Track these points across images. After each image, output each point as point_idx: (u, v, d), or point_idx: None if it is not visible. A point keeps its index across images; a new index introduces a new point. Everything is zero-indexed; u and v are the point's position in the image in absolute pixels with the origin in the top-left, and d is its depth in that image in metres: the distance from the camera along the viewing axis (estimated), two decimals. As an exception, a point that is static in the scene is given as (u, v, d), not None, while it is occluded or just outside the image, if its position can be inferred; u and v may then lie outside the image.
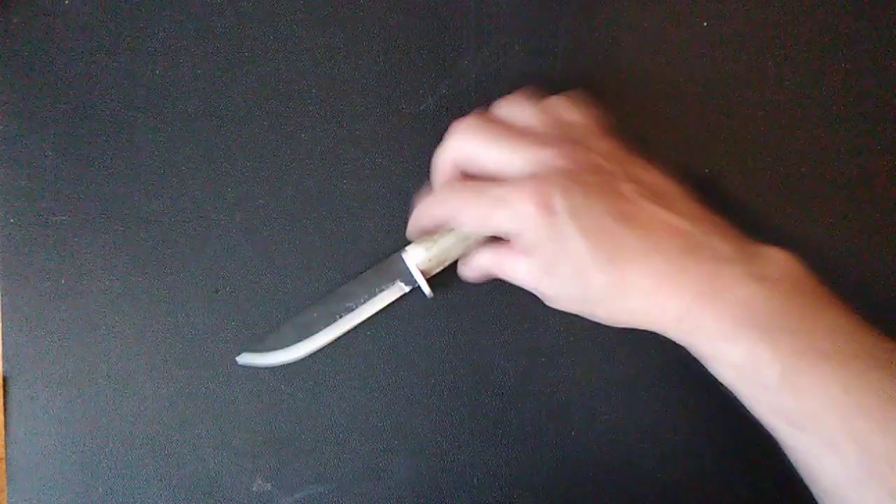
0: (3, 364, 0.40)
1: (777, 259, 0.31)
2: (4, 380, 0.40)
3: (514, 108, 0.35)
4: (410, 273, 0.38)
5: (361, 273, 0.40)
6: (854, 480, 0.28)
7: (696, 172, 0.41)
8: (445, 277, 0.40)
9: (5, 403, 0.40)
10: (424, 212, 0.36)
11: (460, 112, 0.40)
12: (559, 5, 0.41)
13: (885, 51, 0.41)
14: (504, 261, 0.35)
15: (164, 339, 0.40)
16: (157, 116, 0.41)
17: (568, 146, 0.32)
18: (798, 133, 0.41)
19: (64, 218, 0.41)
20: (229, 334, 0.40)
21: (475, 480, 0.41)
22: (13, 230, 0.40)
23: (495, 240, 0.36)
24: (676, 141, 0.41)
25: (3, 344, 0.40)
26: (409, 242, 0.39)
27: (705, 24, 0.41)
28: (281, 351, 0.39)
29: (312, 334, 0.39)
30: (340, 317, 0.39)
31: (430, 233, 0.37)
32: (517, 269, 0.34)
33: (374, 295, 0.39)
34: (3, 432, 0.40)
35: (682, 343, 0.32)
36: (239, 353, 0.40)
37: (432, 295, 0.38)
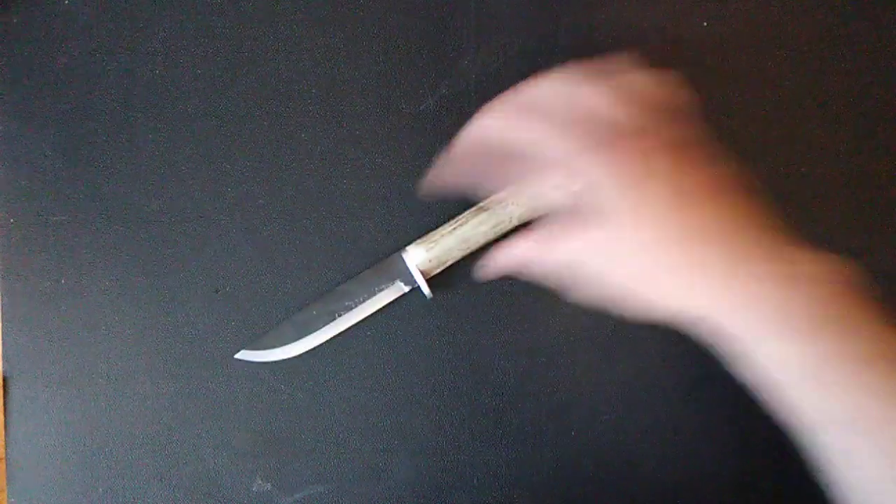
0: (3, 364, 0.40)
1: (819, 262, 0.32)
2: (4, 380, 0.40)
3: (631, 69, 0.35)
4: (410, 273, 0.38)
5: (361, 273, 0.40)
6: (880, 481, 0.28)
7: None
8: (445, 277, 0.40)
9: (5, 403, 0.40)
10: (503, 124, 0.34)
11: (460, 112, 0.40)
12: (559, 5, 0.41)
13: (885, 51, 0.41)
14: (553, 239, 0.34)
15: (164, 339, 0.40)
16: (157, 116, 0.41)
17: (675, 116, 0.33)
18: (798, 133, 0.41)
19: (64, 218, 0.41)
20: (229, 334, 0.40)
21: (475, 480, 0.40)
22: (13, 230, 0.40)
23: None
24: (676, 141, 0.41)
25: (3, 344, 0.40)
26: (409, 242, 0.39)
27: (705, 24, 0.41)
28: (279, 348, 0.39)
29: (311, 332, 0.39)
30: (339, 315, 0.39)
31: (480, 153, 0.36)
32: (571, 244, 0.34)
33: (374, 294, 0.39)
34: (3, 432, 0.40)
35: (712, 337, 0.33)
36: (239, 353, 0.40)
37: (432, 295, 0.38)
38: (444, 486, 0.40)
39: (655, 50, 0.36)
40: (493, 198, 0.38)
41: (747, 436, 0.41)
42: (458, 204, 0.39)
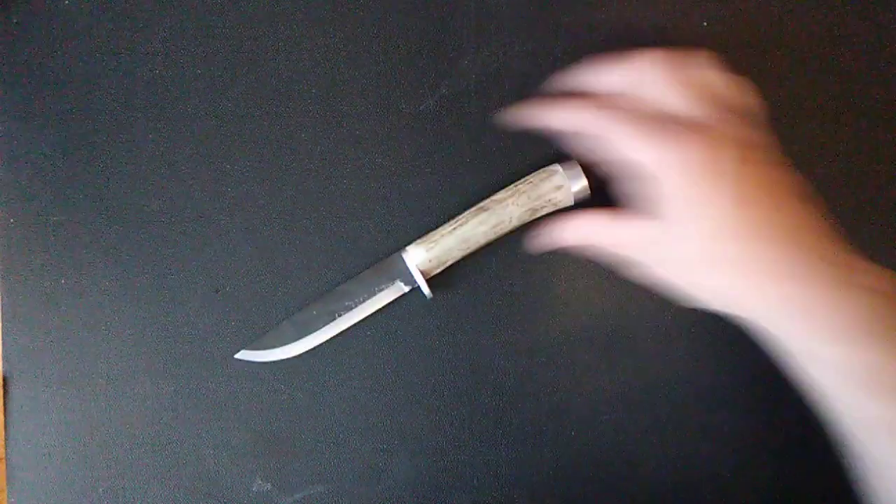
0: (3, 364, 0.40)
1: (873, 272, 0.32)
2: (4, 380, 0.40)
3: (707, 67, 0.35)
4: (410, 273, 0.38)
5: (361, 273, 0.40)
6: None
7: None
8: (445, 277, 0.40)
9: (5, 403, 0.40)
10: (575, 110, 0.35)
11: (460, 112, 0.40)
12: (559, 5, 0.41)
13: (885, 51, 0.41)
14: (612, 223, 0.35)
15: (164, 339, 0.40)
16: (157, 116, 0.41)
17: (745, 119, 0.34)
18: (798, 133, 0.41)
19: (64, 218, 0.41)
20: (229, 334, 0.40)
21: (475, 480, 0.40)
22: (13, 230, 0.40)
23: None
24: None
25: (3, 344, 0.40)
26: (409, 242, 0.39)
27: (705, 23, 0.41)
28: (279, 348, 0.39)
29: (311, 332, 0.39)
30: (339, 315, 0.39)
31: (551, 132, 0.37)
32: (630, 230, 0.35)
33: (374, 294, 0.39)
34: (4, 432, 0.40)
35: (770, 333, 0.33)
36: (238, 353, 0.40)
37: (432, 295, 0.38)
38: (444, 486, 0.40)
39: (731, 53, 0.36)
40: (493, 198, 0.38)
41: (747, 436, 0.41)
42: (459, 204, 0.39)
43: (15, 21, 0.41)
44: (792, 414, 0.40)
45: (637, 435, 0.40)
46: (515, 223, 0.38)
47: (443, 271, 0.39)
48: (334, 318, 0.39)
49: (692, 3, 0.41)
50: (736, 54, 0.37)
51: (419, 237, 0.39)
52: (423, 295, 0.38)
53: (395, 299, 0.39)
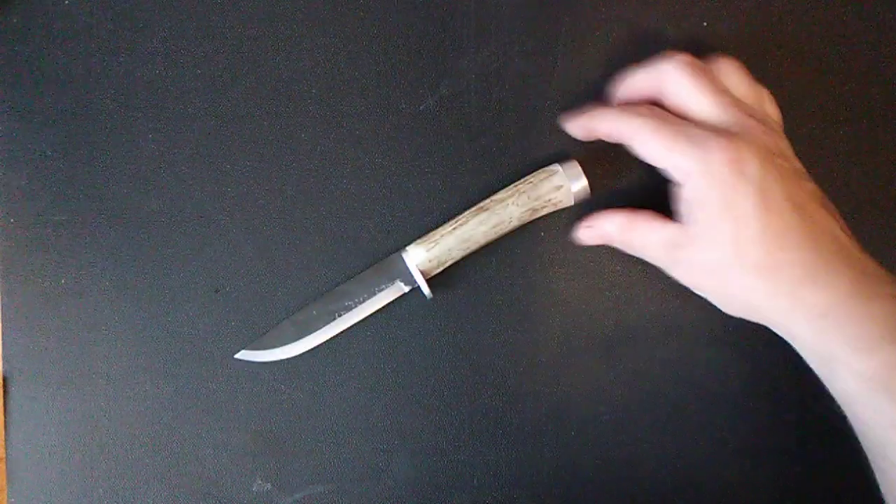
0: (3, 364, 0.40)
1: None
2: (4, 380, 0.40)
3: (732, 74, 0.36)
4: (410, 273, 0.38)
5: (361, 273, 0.40)
6: None
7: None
8: (445, 277, 0.40)
9: (5, 403, 0.40)
10: (605, 119, 0.36)
11: (460, 112, 0.40)
12: (559, 5, 0.41)
13: (885, 51, 0.41)
14: (643, 220, 0.35)
15: (164, 338, 0.40)
16: (157, 116, 0.41)
17: (768, 126, 0.34)
18: (798, 133, 0.41)
19: (64, 218, 0.41)
20: (229, 334, 0.40)
21: (475, 480, 0.40)
22: (13, 230, 0.40)
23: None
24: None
25: (3, 344, 0.40)
26: (409, 242, 0.39)
27: (705, 23, 0.41)
28: (279, 348, 0.39)
29: (311, 332, 0.39)
30: (339, 315, 0.39)
31: (592, 139, 0.37)
32: (658, 228, 0.35)
33: (374, 294, 0.39)
34: (4, 432, 0.40)
35: (794, 341, 0.33)
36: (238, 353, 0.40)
37: (432, 295, 0.38)
38: (444, 486, 0.40)
39: (731, 53, 0.36)
40: (493, 198, 0.38)
41: (748, 436, 0.41)
42: (458, 204, 0.39)
43: (15, 21, 0.41)
44: (792, 415, 0.40)
45: (637, 435, 0.40)
46: (515, 223, 0.38)
47: (443, 271, 0.39)
48: (334, 318, 0.39)
49: (692, 3, 0.41)
50: (736, 54, 0.37)
51: (419, 237, 0.39)
52: (423, 295, 0.38)
53: (395, 299, 0.39)
